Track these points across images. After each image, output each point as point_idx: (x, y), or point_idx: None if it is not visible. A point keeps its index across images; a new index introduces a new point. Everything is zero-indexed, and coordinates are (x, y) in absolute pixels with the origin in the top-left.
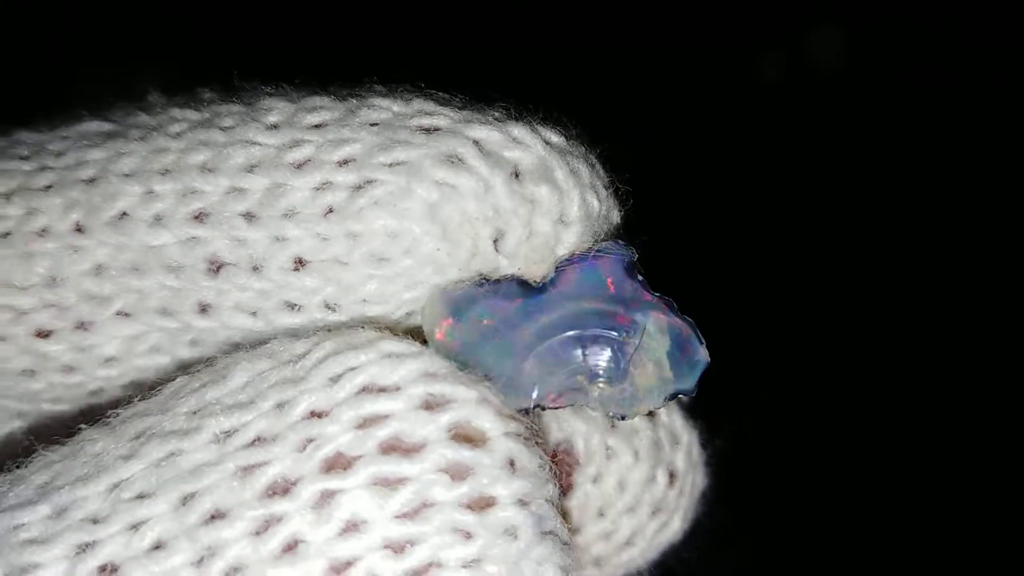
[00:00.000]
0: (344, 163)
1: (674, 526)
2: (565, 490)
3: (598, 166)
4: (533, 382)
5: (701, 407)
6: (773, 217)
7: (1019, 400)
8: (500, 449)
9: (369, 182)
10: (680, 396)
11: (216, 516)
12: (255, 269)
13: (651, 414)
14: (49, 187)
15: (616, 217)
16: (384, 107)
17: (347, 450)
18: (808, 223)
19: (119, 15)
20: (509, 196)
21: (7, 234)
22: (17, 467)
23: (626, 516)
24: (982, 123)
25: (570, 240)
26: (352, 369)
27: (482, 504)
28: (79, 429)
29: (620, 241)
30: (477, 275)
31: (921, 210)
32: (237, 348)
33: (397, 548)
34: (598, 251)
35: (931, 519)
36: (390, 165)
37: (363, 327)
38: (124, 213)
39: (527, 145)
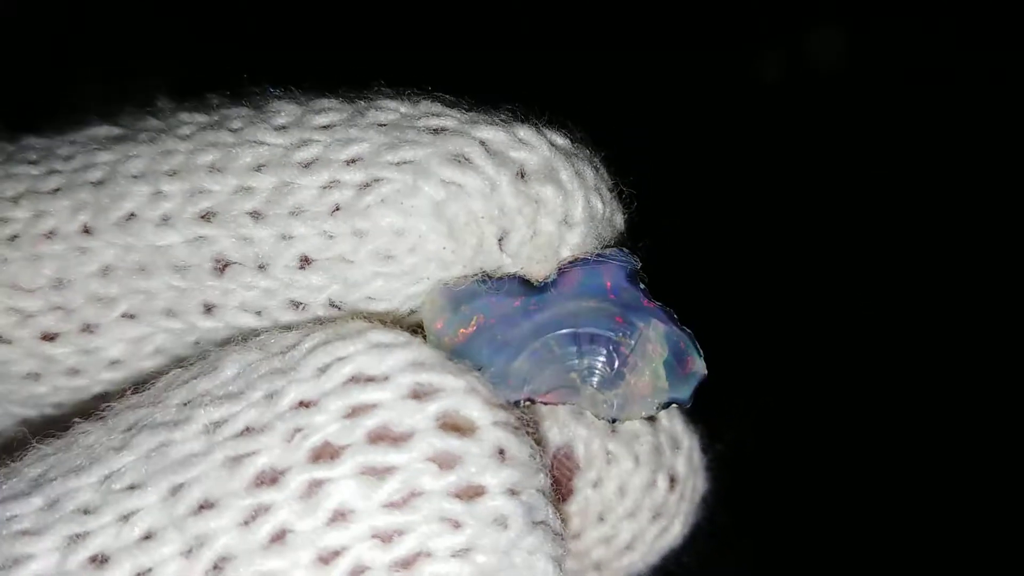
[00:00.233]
0: (351, 162)
1: (674, 530)
2: (566, 495)
3: (602, 169)
4: (525, 376)
5: (701, 412)
6: (773, 217)
7: (1019, 401)
8: (489, 438)
9: (376, 180)
10: (675, 405)
11: (205, 506)
12: (261, 267)
13: (651, 419)
14: (57, 190)
15: (620, 221)
16: (392, 108)
17: (335, 439)
18: (808, 223)
19: (119, 15)
20: (515, 196)
21: (14, 237)
22: (13, 460)
23: (627, 520)
24: (982, 123)
25: (574, 241)
26: (340, 359)
27: (471, 493)
28: (75, 423)
29: (625, 249)
30: (480, 272)
31: (921, 210)
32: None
33: (385, 538)
34: (601, 256)
35: (930, 522)
36: (397, 164)
37: (352, 317)
38: (132, 214)
39: (533, 146)
